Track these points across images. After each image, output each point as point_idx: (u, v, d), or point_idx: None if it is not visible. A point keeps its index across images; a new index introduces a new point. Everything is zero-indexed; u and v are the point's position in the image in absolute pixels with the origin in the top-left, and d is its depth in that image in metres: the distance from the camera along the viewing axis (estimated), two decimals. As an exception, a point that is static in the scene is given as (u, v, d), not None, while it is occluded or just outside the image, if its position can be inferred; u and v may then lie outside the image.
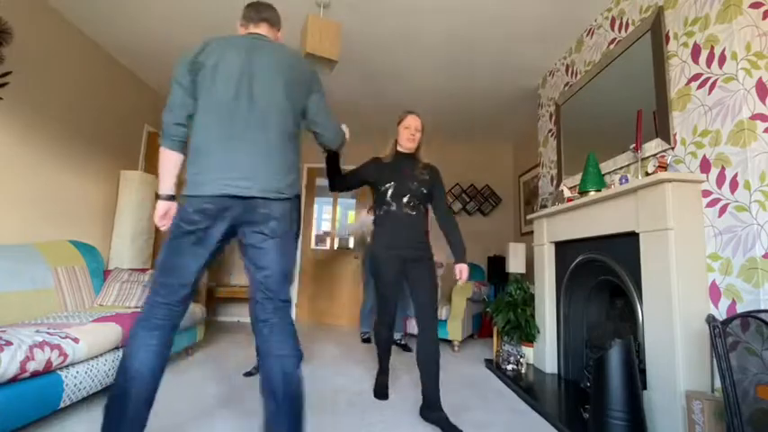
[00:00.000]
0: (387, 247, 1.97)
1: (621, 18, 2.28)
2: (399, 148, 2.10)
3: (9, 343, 1.44)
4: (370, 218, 3.54)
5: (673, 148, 1.85)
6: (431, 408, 1.85)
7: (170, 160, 1.38)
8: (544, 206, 2.87)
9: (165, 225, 1.41)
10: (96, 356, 1.84)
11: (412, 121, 2.05)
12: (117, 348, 1.97)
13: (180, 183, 1.38)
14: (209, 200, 1.26)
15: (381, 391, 2.20)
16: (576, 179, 2.53)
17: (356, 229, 3.95)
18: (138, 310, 2.42)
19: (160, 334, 1.27)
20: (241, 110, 1.31)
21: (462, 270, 2.00)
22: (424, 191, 2.03)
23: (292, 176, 1.39)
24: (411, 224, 1.99)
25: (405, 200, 1.99)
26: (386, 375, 2.24)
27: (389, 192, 1.99)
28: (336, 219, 5.06)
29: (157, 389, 1.25)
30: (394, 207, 1.99)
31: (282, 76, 1.38)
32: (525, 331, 2.78)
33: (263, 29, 1.50)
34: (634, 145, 1.96)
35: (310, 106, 1.49)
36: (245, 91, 1.33)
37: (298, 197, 1.44)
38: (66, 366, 1.68)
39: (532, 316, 2.84)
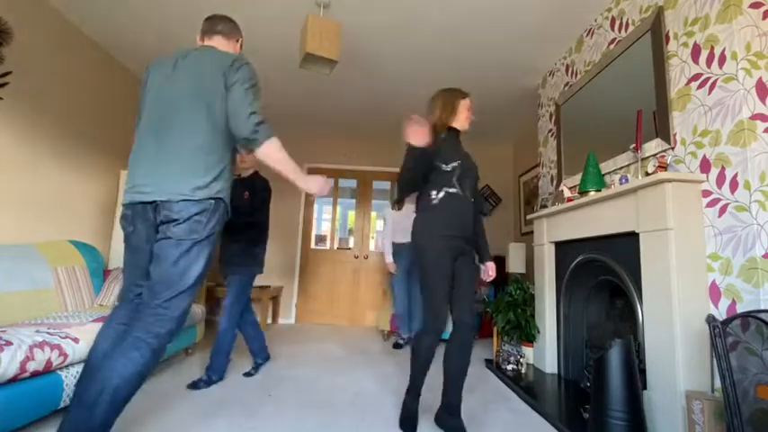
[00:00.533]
0: (446, 236, 1.72)
1: (621, 18, 2.28)
2: (456, 125, 1.88)
3: (9, 343, 1.44)
4: (400, 214, 3.44)
5: (673, 148, 1.85)
6: (452, 413, 1.73)
7: None
8: (544, 206, 2.87)
9: None
10: (96, 356, 1.83)
11: (471, 104, 1.92)
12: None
13: None
14: (126, 207, 1.41)
15: (410, 421, 1.78)
16: (576, 179, 2.53)
17: (389, 233, 3.49)
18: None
19: (119, 324, 1.39)
20: (151, 121, 1.41)
21: (492, 268, 1.93)
22: (477, 176, 1.89)
23: (204, 179, 1.33)
24: (470, 212, 1.80)
25: (467, 183, 1.81)
26: (417, 398, 1.81)
27: (457, 173, 1.76)
28: (336, 219, 5.06)
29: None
30: (456, 190, 1.76)
31: (195, 79, 1.40)
32: (525, 331, 2.78)
33: (216, 41, 1.57)
34: (634, 145, 1.96)
35: (227, 98, 1.40)
36: (159, 102, 1.42)
37: (219, 200, 1.38)
38: (67, 366, 1.68)
39: (532, 316, 2.84)
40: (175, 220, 1.31)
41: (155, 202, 1.33)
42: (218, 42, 1.57)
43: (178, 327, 1.33)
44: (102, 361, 1.27)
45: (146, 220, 1.36)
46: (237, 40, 1.64)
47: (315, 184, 1.49)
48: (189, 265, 1.32)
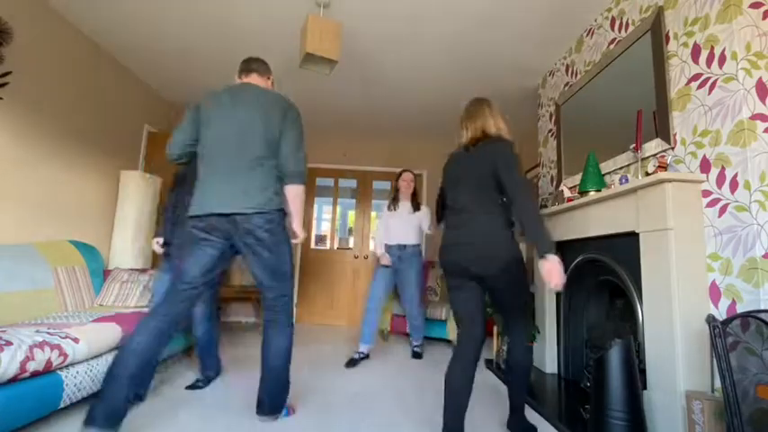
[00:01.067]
0: None
1: (621, 18, 2.28)
2: None
3: (9, 343, 1.44)
4: (392, 215, 3.25)
5: (673, 148, 1.85)
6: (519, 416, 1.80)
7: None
8: (544, 206, 2.87)
9: None
10: (96, 356, 1.83)
11: None
12: (117, 348, 1.96)
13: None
14: (201, 218, 1.67)
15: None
16: (576, 179, 2.53)
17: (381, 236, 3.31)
18: (138, 309, 2.44)
19: (161, 320, 1.58)
20: (221, 148, 1.69)
21: None
22: None
23: (268, 194, 1.68)
24: None
25: None
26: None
27: None
28: (336, 219, 5.06)
29: (144, 362, 1.50)
30: None
31: (258, 112, 1.70)
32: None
33: (252, 78, 1.88)
34: (634, 145, 1.96)
35: (281, 138, 1.74)
36: (227, 133, 1.69)
37: (281, 210, 1.73)
38: (67, 366, 1.68)
39: (533, 316, 2.84)
40: (255, 230, 1.64)
41: (231, 215, 1.64)
42: (255, 79, 1.87)
43: (293, 302, 1.87)
44: (266, 347, 1.77)
45: (217, 229, 1.66)
46: (269, 78, 1.94)
47: (300, 231, 1.87)
48: (279, 261, 1.73)
